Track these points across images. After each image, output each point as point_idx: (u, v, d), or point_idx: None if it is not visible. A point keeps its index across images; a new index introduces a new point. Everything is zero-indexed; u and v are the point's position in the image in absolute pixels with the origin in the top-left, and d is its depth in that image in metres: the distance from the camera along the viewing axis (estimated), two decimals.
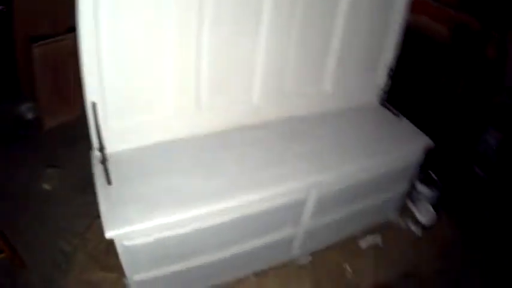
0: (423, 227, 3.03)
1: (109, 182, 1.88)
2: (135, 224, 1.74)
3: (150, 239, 1.85)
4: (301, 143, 2.35)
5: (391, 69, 2.73)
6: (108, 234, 1.71)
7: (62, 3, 3.45)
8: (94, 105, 1.84)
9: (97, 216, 2.63)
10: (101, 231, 2.56)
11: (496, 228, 3.24)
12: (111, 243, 2.47)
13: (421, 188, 3.12)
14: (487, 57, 4.42)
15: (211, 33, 2.00)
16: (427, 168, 3.22)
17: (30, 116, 3.55)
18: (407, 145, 2.55)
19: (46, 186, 2.95)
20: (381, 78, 2.77)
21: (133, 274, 1.99)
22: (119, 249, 1.84)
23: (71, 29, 3.29)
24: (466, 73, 4.50)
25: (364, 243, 2.89)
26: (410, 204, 3.20)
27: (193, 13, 1.90)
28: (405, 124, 2.71)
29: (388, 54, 2.67)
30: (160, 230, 1.84)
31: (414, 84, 4.74)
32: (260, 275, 2.56)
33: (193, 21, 1.92)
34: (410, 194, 3.18)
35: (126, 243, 1.81)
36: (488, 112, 4.34)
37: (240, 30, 2.08)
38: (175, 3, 1.83)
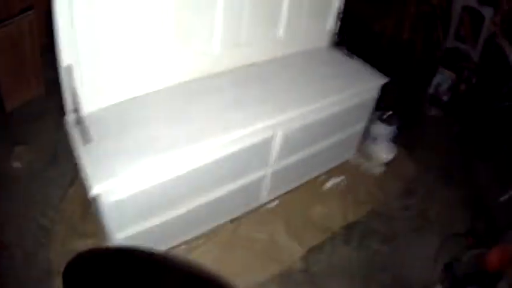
0: (383, 164, 3.23)
1: (88, 140, 1.95)
2: (119, 175, 1.83)
3: (132, 191, 1.95)
4: (261, 87, 2.50)
5: (340, 12, 2.90)
6: (95, 189, 1.78)
7: None
8: (70, 67, 1.91)
9: (69, 184, 2.81)
10: (75, 199, 2.71)
11: (453, 159, 3.55)
12: (86, 210, 2.63)
13: (379, 126, 3.28)
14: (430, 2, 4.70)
15: None
16: (384, 107, 3.43)
17: None
18: (362, 82, 2.74)
19: (16, 164, 2.98)
20: (331, 21, 2.95)
21: (117, 232, 2.08)
22: (103, 207, 1.92)
23: (24, 10, 3.36)
24: (411, 17, 4.78)
25: (328, 184, 3.07)
26: (369, 143, 3.37)
27: None
28: (358, 64, 2.90)
29: None
30: (141, 180, 1.95)
31: (366, 28, 4.98)
32: (235, 221, 2.71)
33: None
34: (369, 132, 3.36)
35: (110, 198, 1.90)
36: (437, 55, 4.62)
37: None
38: None
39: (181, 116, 2.21)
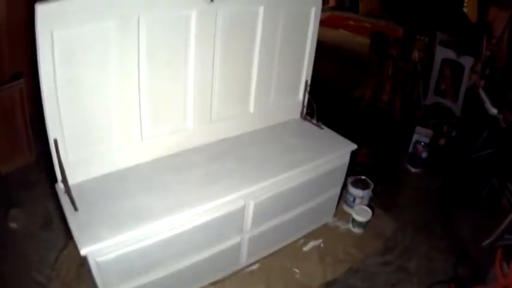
0: (361, 226, 3.47)
1: (75, 208, 2.27)
2: (104, 240, 2.13)
3: (117, 253, 2.22)
4: (233, 161, 2.84)
5: (308, 85, 3.28)
6: (83, 251, 2.07)
7: (6, 53, 3.89)
8: (56, 141, 2.26)
9: (63, 248, 3.09)
10: (69, 260, 2.98)
11: (432, 213, 3.80)
12: (80, 269, 2.90)
13: (354, 190, 3.59)
14: (411, 59, 5.04)
15: (147, 72, 2.48)
16: (360, 171, 3.75)
17: None
18: (331, 151, 3.06)
19: (12, 225, 3.25)
20: (300, 94, 3.34)
21: None
22: (92, 266, 2.21)
23: (13, 77, 3.69)
24: (391, 79, 5.10)
25: (307, 247, 3.32)
26: (345, 207, 3.71)
27: (131, 56, 2.38)
28: (328, 133, 3.26)
29: (305, 73, 3.25)
30: (124, 244, 2.23)
31: (346, 96, 5.35)
32: (217, 284, 2.95)
33: (132, 62, 2.39)
34: (345, 196, 3.69)
35: (98, 259, 2.18)
36: (416, 115, 4.93)
37: (171, 66, 2.59)
38: (115, 48, 2.29)
39: (158, 189, 2.52)
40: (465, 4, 6.21)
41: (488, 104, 3.86)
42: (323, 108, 3.41)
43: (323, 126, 3.30)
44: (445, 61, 4.89)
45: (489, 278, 2.67)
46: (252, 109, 3.13)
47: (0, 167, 3.77)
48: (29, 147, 3.97)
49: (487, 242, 3.31)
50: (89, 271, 2.36)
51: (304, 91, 3.32)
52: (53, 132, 2.25)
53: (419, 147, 4.30)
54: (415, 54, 5.14)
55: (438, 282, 3.04)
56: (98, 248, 2.14)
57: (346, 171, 3.28)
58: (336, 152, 3.07)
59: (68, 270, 2.95)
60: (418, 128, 4.38)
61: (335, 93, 5.79)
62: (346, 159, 3.18)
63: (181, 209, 2.39)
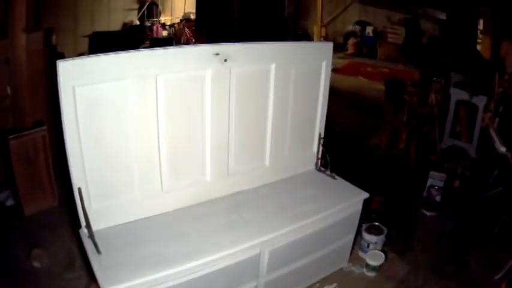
0: (374, 270, 3.64)
1: (99, 251, 2.46)
2: (125, 282, 2.30)
3: None
4: (249, 211, 3.04)
5: (322, 138, 3.50)
6: None
7: (26, 99, 4.20)
8: (79, 190, 2.47)
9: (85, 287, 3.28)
10: None
11: (444, 255, 3.96)
12: None
13: (367, 236, 3.77)
14: (428, 103, 5.24)
15: (166, 128, 2.72)
16: (374, 218, 3.96)
17: (9, 203, 4.15)
18: (344, 200, 3.24)
19: (36, 264, 3.46)
20: (314, 147, 3.56)
21: None
22: None
23: (36, 124, 3.98)
24: (408, 125, 5.29)
25: None
26: (360, 252, 3.88)
27: (150, 113, 2.63)
28: (341, 183, 3.44)
29: (318, 125, 3.48)
30: (144, 287, 2.40)
31: (363, 144, 5.56)
32: None
33: (151, 118, 2.65)
34: (359, 242, 3.88)
35: None
36: (429, 159, 5.11)
37: (189, 123, 2.83)
38: (135, 105, 2.54)
39: (178, 237, 2.71)
40: (479, 41, 6.43)
41: (497, 143, 3.99)
42: (341, 158, 3.62)
43: (336, 176, 3.49)
44: (459, 103, 5.05)
45: None
46: (267, 162, 3.34)
47: (25, 208, 4.02)
48: (52, 190, 4.22)
49: (497, 276, 3.45)
50: None
51: (318, 143, 3.53)
52: (77, 181, 2.46)
53: (433, 191, 4.45)
54: (432, 97, 5.31)
55: None
56: None
57: (359, 219, 3.45)
58: (348, 201, 3.25)
59: None
60: (432, 173, 4.53)
61: (352, 142, 6.01)
62: (359, 207, 3.36)
63: (199, 256, 2.56)
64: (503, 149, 3.98)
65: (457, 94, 5.08)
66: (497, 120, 4.87)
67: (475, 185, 4.66)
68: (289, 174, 3.53)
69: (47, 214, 4.15)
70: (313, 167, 3.66)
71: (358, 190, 3.37)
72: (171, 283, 2.52)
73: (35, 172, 4.07)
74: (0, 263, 3.51)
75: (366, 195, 3.32)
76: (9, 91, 4.09)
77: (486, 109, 4.89)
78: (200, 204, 3.08)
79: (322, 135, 3.53)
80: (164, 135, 2.74)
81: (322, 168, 3.60)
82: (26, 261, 3.50)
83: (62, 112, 2.31)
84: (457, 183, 4.83)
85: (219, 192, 3.17)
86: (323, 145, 3.55)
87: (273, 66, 3.07)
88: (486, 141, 4.62)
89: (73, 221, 2.68)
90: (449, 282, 3.62)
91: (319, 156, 3.60)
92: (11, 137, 3.76)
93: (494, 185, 4.17)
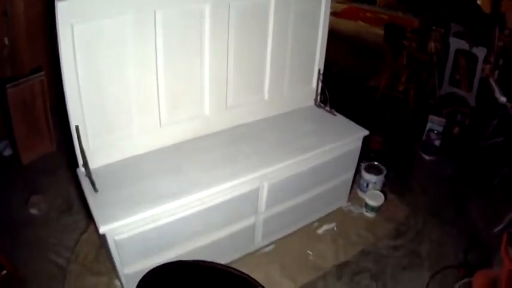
0: (374, 210, 3.60)
1: (95, 190, 2.42)
2: (121, 219, 2.27)
3: (134, 232, 2.37)
4: (248, 145, 2.97)
5: (321, 74, 3.41)
6: (102, 229, 2.21)
7: (24, 47, 4.10)
8: (77, 128, 2.40)
9: (83, 231, 3.22)
10: (89, 243, 3.11)
11: (444, 200, 3.92)
12: (99, 251, 3.04)
13: (367, 175, 3.72)
14: (427, 51, 5.15)
15: (164, 62, 2.63)
16: (374, 158, 3.90)
17: (6, 153, 4.08)
18: (344, 136, 3.18)
19: (33, 211, 3.41)
20: (313, 83, 3.47)
21: (124, 267, 2.49)
22: (110, 245, 2.34)
23: (34, 70, 3.88)
24: (407, 68, 5.23)
25: (321, 230, 3.46)
26: (359, 192, 3.84)
27: (148, 48, 2.54)
28: (341, 120, 3.37)
29: (317, 61, 3.39)
30: (141, 223, 2.37)
31: (363, 85, 5.50)
32: (231, 265, 2.95)
33: (150, 53, 2.55)
34: (359, 182, 3.84)
35: (116, 237, 2.33)
36: (429, 103, 5.05)
37: (187, 57, 2.74)
38: (133, 40, 2.45)
39: (176, 172, 2.66)
40: None
41: (497, 93, 3.94)
42: (340, 97, 3.53)
43: (336, 113, 3.41)
44: (459, 52, 4.97)
45: (496, 262, 2.73)
46: (266, 96, 3.25)
47: (22, 156, 3.95)
48: (50, 135, 4.15)
49: (497, 228, 3.40)
50: (108, 250, 2.51)
51: (317, 79, 3.44)
52: (74, 120, 2.39)
53: (432, 136, 4.39)
54: (431, 46, 5.24)
55: (448, 267, 3.12)
56: (116, 227, 2.27)
57: (358, 156, 3.39)
58: (348, 137, 3.18)
59: (87, 252, 3.10)
60: (431, 117, 4.46)
61: (352, 83, 5.92)
62: (358, 144, 3.29)
63: (196, 190, 2.52)
64: (503, 99, 3.91)
65: (456, 43, 4.97)
66: (497, 72, 4.77)
67: (474, 133, 4.57)
68: (288, 109, 3.46)
69: (45, 160, 4.09)
70: (312, 102, 3.58)
71: (358, 127, 3.30)
72: (169, 219, 2.50)
73: (32, 118, 4.00)
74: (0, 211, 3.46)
75: (366, 132, 3.26)
76: (6, 42, 3.97)
77: (486, 61, 4.79)
78: (199, 139, 3.02)
79: (322, 72, 3.44)
80: (163, 69, 2.66)
81: (322, 104, 3.53)
82: (23, 210, 3.46)
83: (60, 51, 2.23)
84: (456, 130, 4.76)
85: (217, 126, 3.11)
86: (322, 81, 3.46)
87: (273, 0, 2.96)
88: (486, 90, 4.53)
89: (71, 165, 2.62)
90: (449, 228, 3.58)
91: (319, 92, 3.51)
92: (8, 85, 3.66)
93: (494, 134, 4.11)
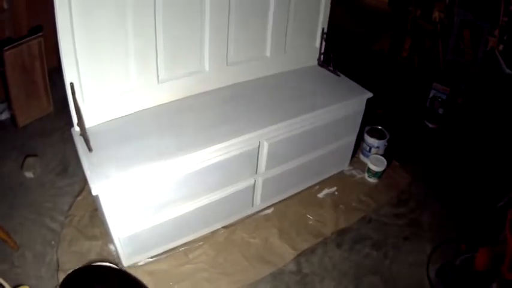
0: (376, 175, 3.45)
1: (89, 149, 2.26)
2: (114, 178, 2.13)
3: (128, 192, 2.25)
4: (249, 103, 2.79)
5: (325, 33, 3.21)
6: (94, 189, 2.08)
7: (23, 9, 3.90)
8: (72, 85, 2.23)
9: (78, 194, 3.08)
10: (83, 206, 2.98)
11: (445, 172, 3.72)
12: (94, 215, 2.90)
13: (369, 139, 3.56)
14: (431, 19, 4.95)
15: (163, 15, 2.43)
16: (377, 122, 3.71)
17: (4, 116, 3.91)
18: (347, 97, 2.99)
19: (28, 174, 3.27)
20: (317, 42, 3.27)
21: (119, 231, 2.37)
22: (104, 206, 2.22)
23: (32, 30, 3.69)
24: (411, 34, 5.03)
25: (322, 194, 3.31)
26: (362, 156, 3.68)
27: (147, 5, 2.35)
28: (345, 80, 3.18)
29: (321, 20, 3.17)
30: (134, 183, 2.23)
31: (367, 48, 5.30)
32: (229, 227, 2.95)
33: (149, 5, 2.35)
34: (361, 146, 3.68)
35: (109, 199, 2.20)
36: (433, 71, 4.86)
37: (187, 10, 2.52)
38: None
39: (173, 130, 2.49)
40: None
41: (503, 65, 3.87)
42: (344, 59, 3.36)
43: (339, 73, 3.22)
44: (464, 23, 4.80)
45: (500, 239, 2.57)
46: (268, 53, 3.05)
47: (19, 119, 3.80)
48: (47, 98, 3.99)
49: (501, 203, 3.20)
50: (101, 213, 2.37)
51: (321, 38, 3.24)
52: (69, 76, 2.22)
53: (436, 103, 4.22)
54: (436, 15, 5.06)
55: (450, 240, 2.99)
56: (108, 187, 2.13)
57: (361, 119, 3.22)
58: (351, 98, 3.00)
59: (82, 216, 2.97)
60: (435, 85, 4.29)
61: (356, 46, 5.69)
62: (362, 106, 3.12)
63: (192, 148, 2.36)
64: (508, 71, 3.85)
65: (461, 14, 4.77)
66: (501, 47, 4.57)
67: (478, 103, 4.42)
68: (290, 68, 3.25)
69: (43, 122, 3.93)
70: (315, 62, 3.38)
71: (361, 89, 3.10)
72: (163, 179, 2.37)
73: (30, 80, 3.84)
74: None
75: (370, 94, 3.07)
76: (5, 6, 3.76)
77: (491, 34, 4.59)
78: (198, 95, 2.84)
79: (325, 31, 3.23)
80: (161, 23, 2.46)
81: (325, 65, 3.33)
82: (18, 173, 3.32)
83: (55, 5, 2.04)
84: (460, 100, 4.56)
85: (218, 83, 2.93)
86: (326, 41, 3.25)
87: None
88: (490, 62, 4.35)
89: (69, 126, 2.46)
90: (451, 199, 3.43)
91: (322, 51, 3.31)
92: (5, 48, 3.49)
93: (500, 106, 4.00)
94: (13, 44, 3.55)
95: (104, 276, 2.22)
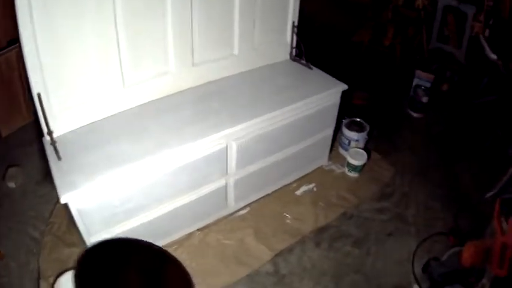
0: (356, 169, 3.32)
1: (59, 158, 2.21)
2: (81, 186, 2.06)
3: (97, 200, 2.18)
4: (217, 103, 2.68)
5: (295, 27, 3.07)
6: (62, 199, 2.02)
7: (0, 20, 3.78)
8: (39, 95, 2.15)
9: (57, 201, 2.99)
10: (62, 213, 2.90)
11: (431, 163, 3.58)
12: (71, 222, 2.76)
13: (348, 133, 3.41)
14: (415, 7, 4.82)
15: (125, 15, 2.32)
16: (355, 114, 3.58)
17: None
18: (320, 90, 2.86)
19: (11, 185, 3.23)
20: (288, 36, 3.12)
21: (90, 237, 2.30)
22: (74, 214, 2.16)
23: (11, 42, 3.56)
24: (393, 23, 4.90)
25: (299, 191, 3.18)
26: (341, 150, 3.54)
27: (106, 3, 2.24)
28: (318, 73, 3.05)
29: (291, 14, 3.03)
30: (103, 189, 2.16)
31: (346, 39, 5.17)
32: (204, 229, 2.85)
33: (108, 6, 2.24)
34: (340, 140, 3.54)
35: (79, 206, 2.14)
36: (416, 59, 4.73)
37: (148, 8, 2.41)
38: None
39: (140, 134, 2.40)
40: None
41: (487, 51, 3.74)
42: (323, 52, 3.29)
43: (312, 66, 3.09)
44: (447, 9, 4.66)
45: (487, 232, 2.49)
46: (236, 51, 2.93)
47: (1, 129, 3.75)
48: (27, 107, 3.90)
49: (489, 194, 3.09)
50: (73, 221, 2.29)
51: (292, 32, 3.11)
52: (36, 87, 2.16)
53: (420, 92, 4.08)
54: (419, 2, 4.92)
55: (437, 234, 2.87)
56: (77, 195, 2.08)
57: (337, 112, 3.09)
58: (324, 91, 2.87)
59: (61, 223, 2.91)
60: (419, 72, 4.15)
61: (336, 38, 5.53)
62: (337, 99, 2.99)
63: (159, 151, 2.29)
64: (493, 56, 3.72)
65: (444, 0, 4.63)
66: (487, 31, 4.42)
67: (464, 90, 4.31)
68: (261, 64, 3.13)
69: (23, 132, 3.86)
70: (287, 57, 3.25)
71: (335, 81, 2.97)
72: (132, 184, 2.30)
73: (9, 90, 3.75)
74: None
75: (344, 86, 2.94)
76: None
77: (475, 19, 4.45)
78: (165, 98, 2.73)
79: (296, 24, 3.10)
80: (122, 24, 2.35)
81: (297, 58, 3.20)
82: (1, 184, 3.28)
83: (16, 13, 1.98)
84: (445, 87, 4.45)
85: (185, 84, 2.81)
86: (298, 35, 3.12)
87: None
88: (475, 48, 4.24)
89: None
90: (437, 190, 3.28)
91: (294, 45, 3.18)
92: None
93: (485, 92, 3.91)
94: None
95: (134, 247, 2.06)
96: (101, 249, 1.75)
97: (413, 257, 2.72)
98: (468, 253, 2.27)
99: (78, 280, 1.55)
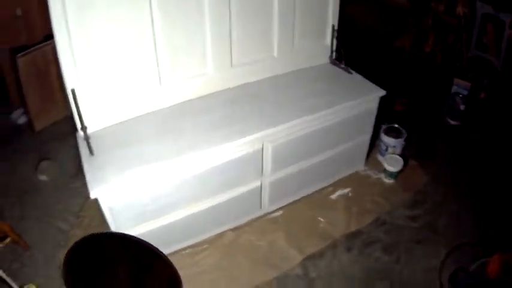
0: (392, 176, 3.26)
1: (91, 153, 2.23)
2: (110, 182, 2.08)
3: (128, 197, 2.19)
4: (253, 104, 2.66)
5: (335, 30, 3.02)
6: (92, 194, 2.05)
7: (36, 16, 3.84)
8: (73, 91, 2.17)
9: (88, 196, 3.04)
10: (95, 208, 2.86)
11: (466, 172, 3.47)
12: (104, 216, 2.83)
13: (386, 138, 3.35)
14: (455, 14, 4.72)
15: (162, 18, 2.34)
16: (393, 120, 3.51)
17: (21, 121, 3.95)
18: (358, 95, 2.81)
19: (42, 178, 3.28)
20: (327, 39, 3.08)
21: (120, 231, 2.27)
22: (105, 210, 2.18)
23: (48, 37, 3.62)
24: (434, 30, 4.81)
25: (334, 196, 3.13)
26: (378, 156, 3.48)
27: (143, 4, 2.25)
28: (357, 78, 3.00)
29: (331, 17, 2.98)
30: (134, 186, 2.17)
31: (388, 45, 5.09)
32: (236, 230, 2.84)
33: (145, 8, 2.26)
34: (378, 145, 3.47)
35: (110, 203, 2.16)
36: (455, 66, 4.62)
37: (186, 11, 2.41)
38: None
39: (173, 134, 2.41)
40: None
41: None
42: (364, 56, 3.26)
43: (351, 70, 3.05)
44: (486, 17, 4.57)
45: None
46: (275, 53, 2.90)
47: (36, 123, 3.81)
48: (63, 102, 3.91)
49: None
50: (103, 216, 2.32)
51: (332, 36, 3.06)
52: (70, 83, 2.19)
53: (458, 99, 4.00)
54: (459, 10, 4.84)
55: (466, 244, 2.78)
56: (107, 190, 2.10)
57: (375, 118, 3.03)
58: (362, 96, 2.82)
59: (92, 217, 2.93)
60: (457, 80, 4.07)
61: (377, 42, 5.40)
62: (374, 105, 2.93)
63: (191, 151, 2.28)
64: None
65: (482, 8, 4.54)
66: None
67: (501, 99, 4.16)
68: (299, 67, 3.08)
69: (58, 126, 3.93)
70: (326, 60, 3.19)
71: (374, 86, 2.91)
72: (164, 182, 2.31)
73: (45, 85, 3.82)
74: (9, 181, 3.34)
75: (383, 92, 2.88)
76: (19, 13, 3.72)
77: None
78: (201, 98, 2.73)
79: (336, 27, 3.04)
80: (160, 25, 2.36)
81: (337, 62, 3.14)
82: (33, 176, 3.34)
83: (50, 10, 1.99)
84: (482, 95, 4.32)
85: (222, 85, 2.80)
86: (338, 39, 3.07)
87: None
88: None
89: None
90: (470, 201, 3.17)
91: (334, 49, 3.13)
92: (18, 55, 3.49)
93: None
94: (27, 51, 3.55)
95: (122, 242, 2.08)
96: (90, 243, 1.81)
97: (441, 267, 2.66)
98: (494, 265, 2.25)
99: (67, 273, 1.64)
